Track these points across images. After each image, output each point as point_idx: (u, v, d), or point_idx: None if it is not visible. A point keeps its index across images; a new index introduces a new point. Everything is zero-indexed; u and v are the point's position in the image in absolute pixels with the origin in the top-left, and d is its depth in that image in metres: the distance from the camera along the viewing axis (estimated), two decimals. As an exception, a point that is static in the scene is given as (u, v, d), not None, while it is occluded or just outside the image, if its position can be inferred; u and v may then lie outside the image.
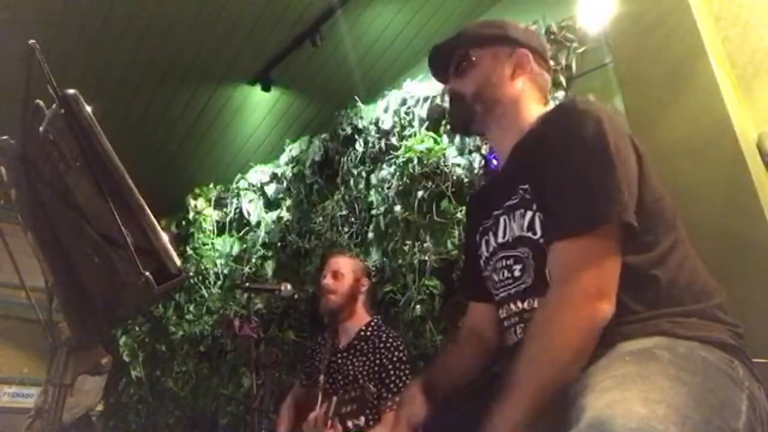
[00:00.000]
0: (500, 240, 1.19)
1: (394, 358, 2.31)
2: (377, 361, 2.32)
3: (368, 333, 2.43)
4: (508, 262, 1.16)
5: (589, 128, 1.03)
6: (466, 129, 1.36)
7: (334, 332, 2.54)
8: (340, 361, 2.43)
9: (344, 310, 2.48)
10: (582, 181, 1.01)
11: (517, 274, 1.14)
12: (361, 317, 2.50)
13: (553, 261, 1.02)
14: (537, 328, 0.98)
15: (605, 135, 1.02)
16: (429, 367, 1.38)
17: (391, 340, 2.38)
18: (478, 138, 2.91)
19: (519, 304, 1.13)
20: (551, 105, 1.28)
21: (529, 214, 1.11)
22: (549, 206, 1.06)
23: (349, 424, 2.05)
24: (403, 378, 2.29)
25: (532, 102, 1.27)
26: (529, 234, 1.11)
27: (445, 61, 1.34)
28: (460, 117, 1.32)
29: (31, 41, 0.81)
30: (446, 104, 1.48)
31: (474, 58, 1.28)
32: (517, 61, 1.27)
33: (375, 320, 2.50)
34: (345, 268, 2.55)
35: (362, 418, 2.06)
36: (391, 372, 2.29)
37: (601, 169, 0.99)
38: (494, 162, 2.66)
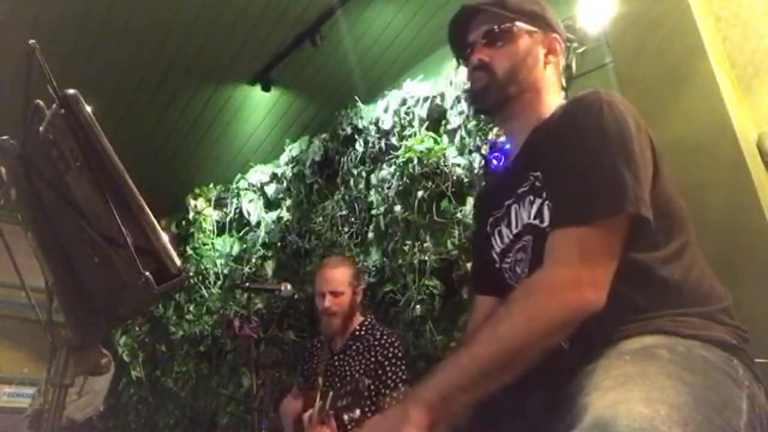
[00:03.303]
0: (515, 230, 1.15)
1: (390, 354, 2.32)
2: (373, 359, 2.33)
3: (362, 332, 2.44)
4: (523, 254, 1.13)
5: (611, 118, 1.01)
6: (495, 112, 1.23)
7: (330, 335, 2.55)
8: (336, 363, 2.44)
9: (343, 324, 2.47)
10: (598, 170, 0.98)
11: (528, 264, 1.11)
12: (355, 319, 2.51)
13: (551, 244, 0.99)
14: (517, 296, 0.96)
15: (627, 126, 1.01)
16: None
17: (385, 337, 2.38)
18: (478, 138, 2.91)
19: None
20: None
21: (538, 201, 1.08)
22: (558, 193, 1.03)
23: (345, 417, 2.06)
24: (400, 373, 2.30)
25: (553, 91, 1.22)
26: (536, 221, 1.08)
27: (475, 23, 1.21)
28: (491, 97, 1.18)
29: (31, 41, 0.81)
30: (466, 78, 1.29)
31: (515, 31, 1.18)
32: (551, 45, 1.22)
33: (368, 320, 2.50)
34: (343, 284, 2.47)
35: (357, 411, 2.07)
36: (388, 368, 2.30)
37: (620, 159, 0.97)
38: (494, 162, 2.66)
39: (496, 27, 1.18)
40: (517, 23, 1.19)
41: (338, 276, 2.50)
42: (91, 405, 3.64)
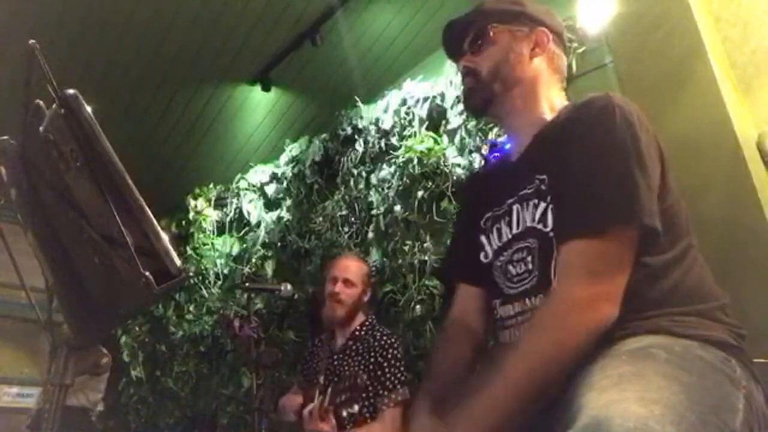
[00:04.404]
0: (515, 230, 1.16)
1: (389, 356, 2.33)
2: (372, 359, 2.34)
3: (362, 332, 2.45)
4: (523, 255, 1.13)
5: (622, 124, 1.00)
6: (484, 110, 1.26)
7: (331, 334, 2.55)
8: (336, 362, 2.44)
9: (346, 318, 2.48)
10: (606, 179, 0.99)
11: (530, 266, 1.11)
12: (357, 318, 2.51)
13: (564, 259, 1.00)
14: (539, 322, 0.97)
15: (636, 133, 1.00)
16: (427, 380, 1.27)
17: (385, 338, 2.39)
18: (478, 138, 2.91)
19: (531, 300, 1.10)
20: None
21: (543, 205, 1.09)
22: (566, 201, 1.03)
23: (344, 413, 2.07)
24: (398, 375, 2.30)
25: (550, 84, 1.23)
26: (540, 226, 1.09)
27: (460, 36, 1.27)
28: (478, 96, 1.22)
29: (31, 41, 0.81)
30: (459, 84, 1.36)
31: (492, 34, 1.21)
32: (536, 40, 1.23)
33: (369, 320, 2.51)
34: (356, 276, 2.51)
35: (356, 406, 2.09)
36: (387, 369, 2.30)
37: (632, 168, 0.97)
38: (496, 161, 2.65)
39: (475, 34, 1.24)
40: (492, 25, 1.22)
41: (354, 268, 2.54)
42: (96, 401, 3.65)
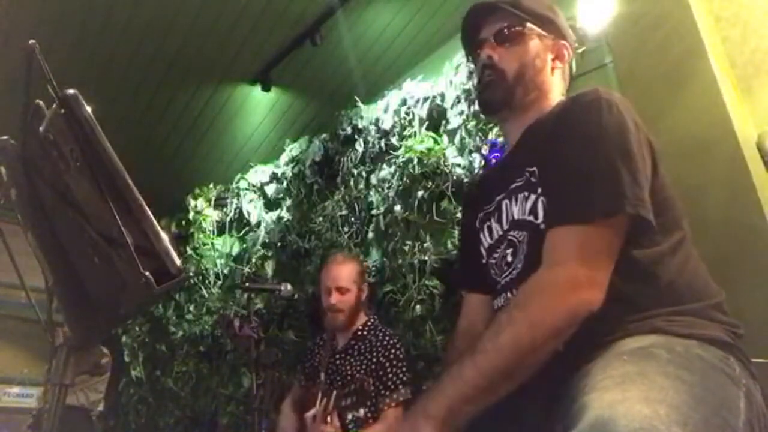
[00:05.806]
0: (505, 226, 1.16)
1: (391, 356, 2.33)
2: (374, 360, 2.34)
3: (364, 332, 2.45)
4: (507, 249, 1.13)
5: (610, 116, 1.01)
6: (498, 109, 1.23)
7: (333, 333, 2.55)
8: (338, 362, 2.44)
9: (348, 322, 2.48)
10: (597, 168, 0.98)
11: (509, 259, 1.11)
12: (359, 318, 2.51)
13: (550, 243, 0.99)
14: (518, 301, 0.96)
15: (626, 125, 1.01)
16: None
17: (387, 338, 2.39)
18: (478, 138, 2.91)
19: (513, 292, 1.09)
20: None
21: (533, 197, 1.08)
22: (556, 190, 1.03)
23: (349, 416, 2.07)
24: (400, 375, 2.30)
25: (558, 95, 1.23)
26: (530, 218, 1.08)
27: (484, 21, 1.24)
28: (497, 94, 1.20)
29: (31, 41, 0.81)
30: (474, 75, 1.32)
31: (526, 32, 1.20)
32: (559, 51, 1.23)
33: (371, 320, 2.51)
34: (348, 281, 2.50)
35: (361, 411, 2.09)
36: (389, 370, 2.30)
37: (619, 159, 0.97)
38: (494, 162, 2.66)
39: (507, 26, 1.20)
40: (529, 25, 1.20)
41: (344, 273, 2.52)
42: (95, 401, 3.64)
